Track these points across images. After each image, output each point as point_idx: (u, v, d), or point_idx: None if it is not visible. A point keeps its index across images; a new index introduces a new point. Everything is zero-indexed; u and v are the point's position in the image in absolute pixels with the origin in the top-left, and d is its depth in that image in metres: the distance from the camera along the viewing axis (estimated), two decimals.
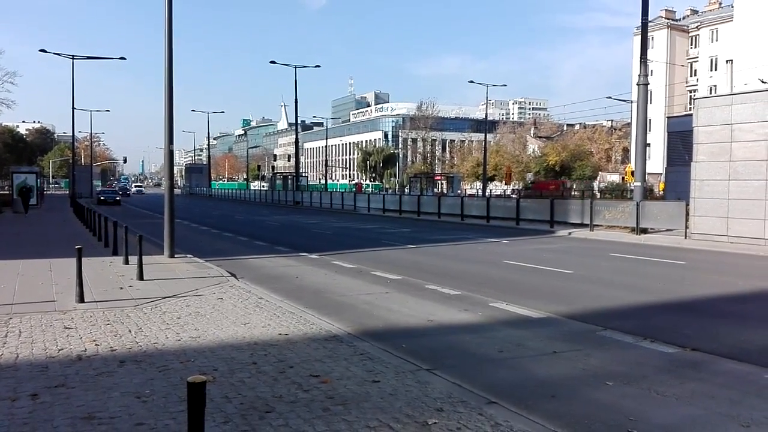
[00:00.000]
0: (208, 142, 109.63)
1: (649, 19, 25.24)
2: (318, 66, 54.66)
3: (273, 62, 49.74)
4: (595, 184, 64.51)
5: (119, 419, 4.52)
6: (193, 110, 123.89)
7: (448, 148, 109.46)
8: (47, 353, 6.30)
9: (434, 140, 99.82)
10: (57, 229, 23.82)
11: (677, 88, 70.02)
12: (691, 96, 66.15)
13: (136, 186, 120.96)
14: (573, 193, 56.18)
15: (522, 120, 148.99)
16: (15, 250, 15.84)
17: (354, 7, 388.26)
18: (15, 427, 4.37)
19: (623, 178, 53.31)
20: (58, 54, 42.85)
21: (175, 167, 16.28)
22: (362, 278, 12.26)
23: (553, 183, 59.60)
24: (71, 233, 21.68)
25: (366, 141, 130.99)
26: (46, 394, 5.04)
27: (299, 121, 58.25)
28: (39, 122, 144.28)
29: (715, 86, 64.32)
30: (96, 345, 6.64)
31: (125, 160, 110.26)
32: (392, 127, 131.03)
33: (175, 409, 4.73)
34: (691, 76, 72.23)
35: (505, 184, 65.69)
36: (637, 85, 22.68)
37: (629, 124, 74.01)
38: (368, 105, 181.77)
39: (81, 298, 8.95)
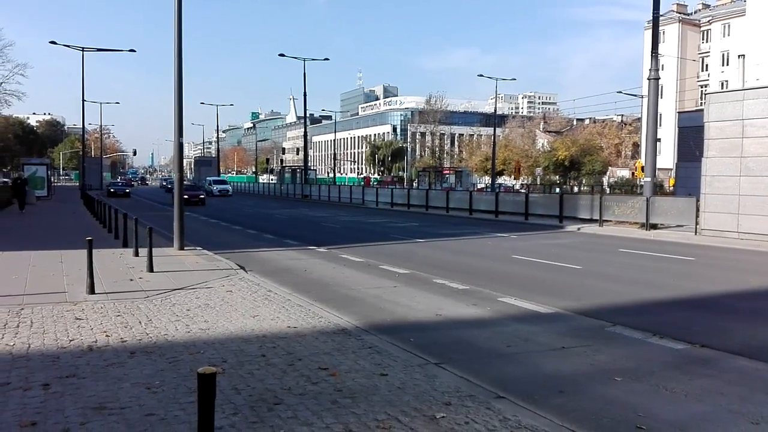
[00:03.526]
0: (217, 134, 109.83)
1: (661, 13, 25.03)
2: (327, 59, 54.26)
3: (282, 55, 50.04)
4: (605, 179, 64.18)
5: (129, 409, 4.57)
6: (202, 103, 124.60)
7: (456, 143, 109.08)
8: (58, 344, 6.36)
9: (443, 134, 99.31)
10: (67, 221, 23.99)
11: (688, 83, 69.44)
12: (702, 91, 65.53)
13: (217, 183, 58.74)
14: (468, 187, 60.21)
15: (531, 114, 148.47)
16: (26, 242, 15.97)
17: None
18: (27, 416, 4.42)
19: (633, 173, 53.10)
20: (68, 46, 42.77)
21: (184, 160, 16.34)
22: (370, 272, 12.28)
23: (390, 179, 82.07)
24: (82, 225, 21.83)
25: (374, 134, 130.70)
26: (58, 384, 5.09)
27: (308, 115, 58.28)
28: (49, 114, 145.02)
29: (726, 81, 63.62)
30: (107, 336, 6.69)
31: (135, 153, 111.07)
32: (401, 120, 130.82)
33: (184, 400, 4.76)
34: (702, 70, 71.54)
35: (514, 178, 65.61)
36: (648, 79, 22.56)
37: (640, 119, 73.52)
38: (377, 98, 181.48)
39: (92, 290, 9.02)
